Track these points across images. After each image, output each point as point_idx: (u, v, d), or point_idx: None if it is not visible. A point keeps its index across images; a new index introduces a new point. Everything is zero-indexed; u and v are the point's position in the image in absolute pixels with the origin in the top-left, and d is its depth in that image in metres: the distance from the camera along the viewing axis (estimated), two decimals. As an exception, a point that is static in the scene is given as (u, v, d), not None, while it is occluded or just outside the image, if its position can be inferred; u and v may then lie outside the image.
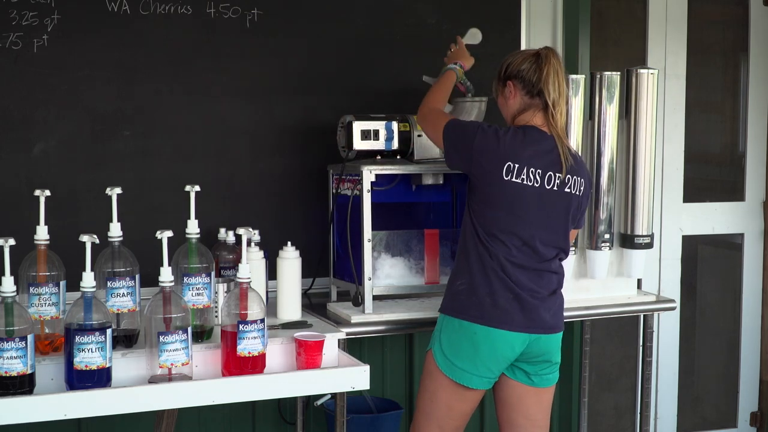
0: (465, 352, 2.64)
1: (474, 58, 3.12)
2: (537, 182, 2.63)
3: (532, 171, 2.62)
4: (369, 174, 2.97)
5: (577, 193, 2.71)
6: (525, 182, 2.61)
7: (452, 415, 2.72)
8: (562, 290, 2.75)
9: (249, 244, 2.83)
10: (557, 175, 2.65)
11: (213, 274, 2.64)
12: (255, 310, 2.47)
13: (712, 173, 4.41)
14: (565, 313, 3.20)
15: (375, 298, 3.03)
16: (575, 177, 2.69)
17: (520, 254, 2.64)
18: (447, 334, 2.68)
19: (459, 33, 3.53)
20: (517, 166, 2.60)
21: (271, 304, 2.92)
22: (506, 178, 2.60)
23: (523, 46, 3.68)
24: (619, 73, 3.21)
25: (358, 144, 3.08)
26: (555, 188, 2.66)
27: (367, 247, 2.98)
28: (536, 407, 2.78)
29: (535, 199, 2.63)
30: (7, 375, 2.22)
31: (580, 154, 3.15)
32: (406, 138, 3.12)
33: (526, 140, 2.64)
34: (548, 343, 2.71)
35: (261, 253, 2.92)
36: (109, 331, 2.30)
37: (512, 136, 2.64)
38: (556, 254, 2.70)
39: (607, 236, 3.22)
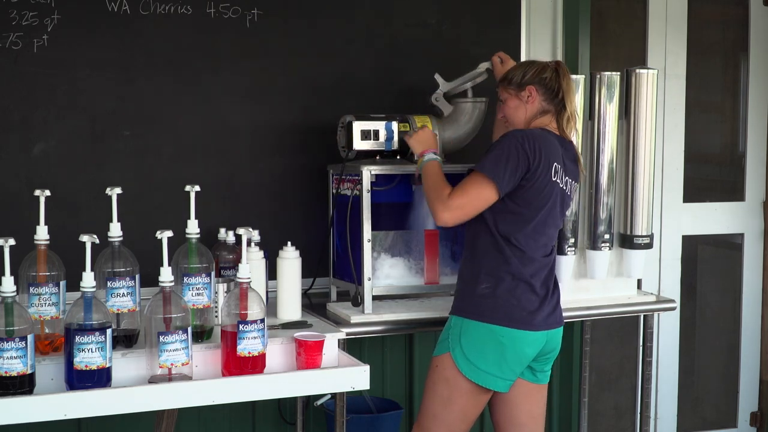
0: (491, 355, 2.65)
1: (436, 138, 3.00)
2: (562, 184, 2.71)
3: (562, 173, 2.70)
4: (369, 174, 2.97)
5: (571, 196, 2.82)
6: (559, 183, 2.70)
7: (465, 420, 2.73)
8: (566, 288, 2.80)
9: (249, 244, 2.84)
10: (569, 180, 2.75)
11: (213, 274, 2.64)
12: (255, 310, 2.47)
13: (712, 173, 4.41)
14: (565, 313, 3.22)
15: (375, 298, 3.03)
16: (576, 183, 2.81)
17: (543, 253, 2.71)
18: (469, 338, 2.67)
19: (459, 32, 3.54)
20: (559, 167, 2.68)
21: (271, 304, 2.92)
22: (554, 179, 2.67)
23: (522, 46, 3.68)
24: (619, 73, 3.21)
25: (358, 144, 3.09)
26: (568, 192, 2.76)
27: (367, 247, 2.98)
28: (538, 404, 2.83)
29: (560, 200, 2.72)
30: (7, 375, 2.22)
31: (579, 153, 3.16)
32: (406, 138, 3.12)
33: (557, 143, 2.71)
34: (558, 337, 2.78)
35: (261, 253, 2.92)
36: (109, 331, 2.30)
37: (547, 135, 2.70)
38: (552, 249, 2.80)
39: (606, 236, 3.22)
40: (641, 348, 3.66)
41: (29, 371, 2.25)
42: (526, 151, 2.62)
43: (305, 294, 3.21)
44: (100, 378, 2.30)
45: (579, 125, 3.12)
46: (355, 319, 2.95)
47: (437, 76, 3.20)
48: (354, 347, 3.34)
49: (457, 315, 2.72)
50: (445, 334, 2.74)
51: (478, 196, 2.63)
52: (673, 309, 3.48)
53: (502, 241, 2.66)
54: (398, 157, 3.15)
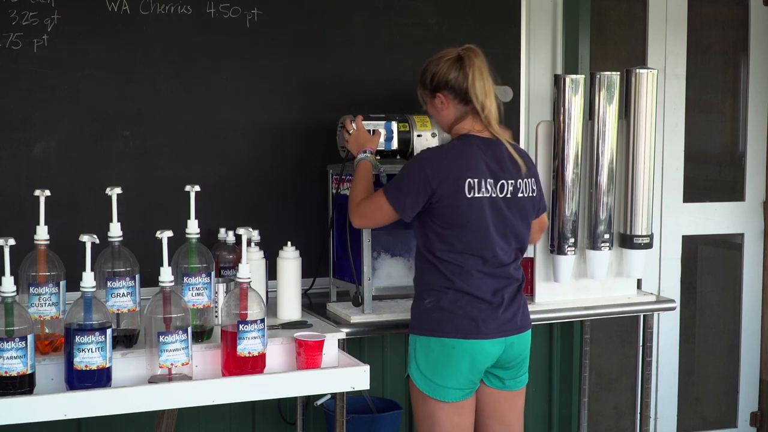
0: (445, 368, 2.60)
1: (378, 135, 3.01)
2: (493, 193, 2.61)
3: (487, 182, 2.60)
4: (369, 174, 2.97)
5: (531, 195, 2.69)
6: (484, 195, 2.59)
7: (458, 431, 2.69)
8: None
9: (249, 244, 2.84)
10: (510, 182, 2.64)
11: (213, 274, 2.64)
12: (255, 310, 2.47)
13: (712, 173, 4.41)
14: (565, 313, 3.23)
15: (375, 298, 3.03)
16: (526, 180, 2.67)
17: (485, 265, 2.62)
18: (423, 354, 2.63)
19: (459, 32, 3.53)
20: (476, 180, 2.58)
21: (271, 304, 2.92)
22: (469, 196, 2.57)
23: (523, 46, 3.68)
24: (619, 73, 3.21)
25: (358, 144, 3.08)
26: (509, 196, 2.64)
27: (367, 247, 2.98)
28: (511, 412, 2.76)
29: (493, 211, 2.61)
30: (7, 375, 2.22)
31: (579, 154, 3.15)
32: (405, 138, 3.12)
33: (476, 151, 2.60)
34: (521, 343, 2.69)
35: (261, 253, 2.92)
36: (109, 331, 2.30)
37: (460, 149, 2.60)
38: (515, 257, 2.69)
39: (606, 236, 3.22)
40: (641, 348, 3.66)
41: (29, 371, 2.25)
42: (427, 177, 2.55)
43: (305, 294, 3.21)
44: (100, 378, 2.30)
45: (579, 124, 3.12)
46: (355, 319, 2.95)
47: None
48: (354, 347, 3.34)
49: (412, 333, 2.68)
50: (409, 354, 2.71)
51: (379, 213, 2.66)
52: (673, 309, 3.49)
53: (435, 261, 2.61)
54: (398, 157, 3.15)
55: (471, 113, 2.64)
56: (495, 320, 2.62)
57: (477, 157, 2.60)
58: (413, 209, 2.60)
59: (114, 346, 2.38)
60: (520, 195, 2.66)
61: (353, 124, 2.98)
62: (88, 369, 2.28)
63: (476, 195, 2.58)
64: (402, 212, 2.61)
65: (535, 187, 2.71)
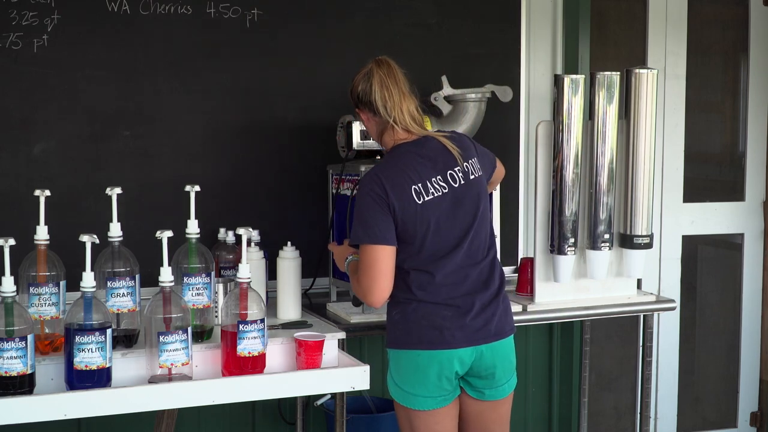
0: (414, 377, 2.56)
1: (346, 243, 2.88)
2: (445, 188, 2.55)
3: (435, 181, 2.54)
4: (369, 174, 2.97)
5: (479, 174, 2.62)
6: (436, 195, 2.53)
7: None
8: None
9: (249, 244, 2.84)
10: (456, 169, 2.57)
11: (213, 274, 2.64)
12: (255, 310, 2.47)
13: (712, 173, 4.41)
14: (565, 313, 3.22)
15: (375, 298, 3.03)
16: (471, 160, 2.61)
17: (453, 266, 2.56)
18: (395, 365, 2.61)
19: (459, 32, 3.53)
20: (420, 185, 2.52)
21: (271, 304, 2.92)
22: (419, 202, 2.51)
23: (522, 46, 3.68)
24: (618, 73, 3.21)
25: (358, 144, 3.08)
26: (462, 182, 2.57)
27: (367, 247, 2.97)
28: (494, 422, 2.69)
29: (452, 204, 2.55)
30: (7, 375, 2.22)
31: (579, 154, 3.15)
32: (406, 138, 3.12)
33: (410, 157, 2.55)
34: (497, 352, 2.62)
35: (261, 253, 2.92)
36: (109, 331, 2.31)
37: (390, 161, 2.56)
38: (488, 248, 2.64)
39: (606, 236, 3.21)
40: (641, 348, 3.66)
41: (29, 371, 2.25)
42: (380, 196, 2.49)
43: (305, 294, 3.21)
44: (100, 378, 2.30)
45: (579, 124, 3.12)
46: (355, 319, 2.95)
47: (444, 79, 3.19)
48: (354, 347, 3.34)
49: (387, 347, 2.65)
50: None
51: (376, 265, 2.50)
52: (672, 309, 3.48)
53: (402, 274, 2.55)
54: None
55: (389, 124, 2.59)
56: (461, 328, 2.55)
57: (413, 162, 2.54)
58: (392, 232, 2.51)
59: (114, 346, 2.38)
60: (471, 177, 2.59)
61: (330, 249, 2.94)
62: (88, 369, 2.28)
63: (426, 199, 2.52)
64: (386, 241, 2.50)
65: (479, 165, 2.63)
